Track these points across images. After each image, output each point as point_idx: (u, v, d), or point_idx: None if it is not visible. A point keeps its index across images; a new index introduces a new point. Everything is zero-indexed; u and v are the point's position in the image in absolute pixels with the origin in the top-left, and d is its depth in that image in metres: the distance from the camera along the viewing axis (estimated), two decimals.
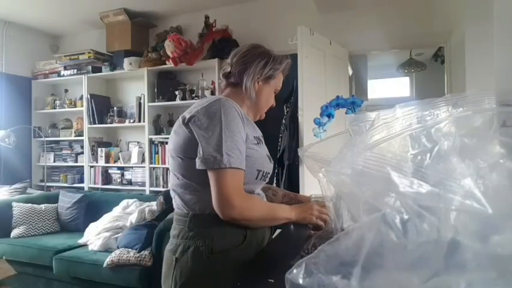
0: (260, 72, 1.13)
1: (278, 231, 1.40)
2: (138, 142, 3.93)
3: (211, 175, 0.94)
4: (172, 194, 1.07)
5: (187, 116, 1.00)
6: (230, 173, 0.93)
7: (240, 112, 1.01)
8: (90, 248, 2.77)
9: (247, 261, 1.00)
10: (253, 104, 1.15)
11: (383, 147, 0.41)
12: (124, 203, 3.15)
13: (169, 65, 3.47)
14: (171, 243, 1.05)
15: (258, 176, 1.05)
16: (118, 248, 2.59)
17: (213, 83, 3.48)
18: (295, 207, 1.13)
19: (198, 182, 0.99)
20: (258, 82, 1.14)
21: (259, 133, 1.15)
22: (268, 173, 1.11)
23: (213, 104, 0.99)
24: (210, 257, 0.98)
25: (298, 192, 2.84)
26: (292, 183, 2.87)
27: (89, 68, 3.92)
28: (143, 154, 3.75)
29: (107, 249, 2.68)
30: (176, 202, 1.06)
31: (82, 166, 4.03)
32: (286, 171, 2.95)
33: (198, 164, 0.94)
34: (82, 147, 4.07)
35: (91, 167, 3.99)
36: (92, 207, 3.31)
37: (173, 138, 1.05)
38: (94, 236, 2.83)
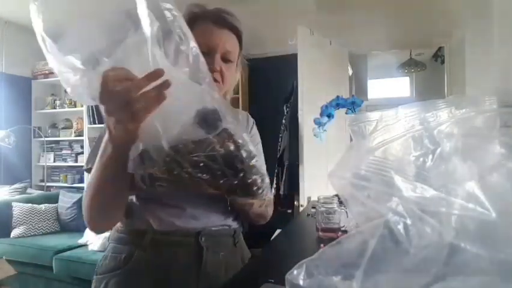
0: None
1: (278, 231, 1.39)
2: None
3: None
4: None
5: None
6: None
7: None
8: (90, 248, 2.76)
9: None
10: None
11: (385, 149, 0.41)
12: None
13: None
14: None
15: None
16: None
17: None
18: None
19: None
20: None
21: None
22: None
23: None
24: None
25: (298, 192, 2.84)
26: (293, 183, 2.87)
27: None
28: None
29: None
30: None
31: (82, 166, 4.01)
32: (286, 171, 2.95)
33: None
34: (82, 147, 4.06)
35: None
36: None
37: None
38: (94, 236, 2.83)
